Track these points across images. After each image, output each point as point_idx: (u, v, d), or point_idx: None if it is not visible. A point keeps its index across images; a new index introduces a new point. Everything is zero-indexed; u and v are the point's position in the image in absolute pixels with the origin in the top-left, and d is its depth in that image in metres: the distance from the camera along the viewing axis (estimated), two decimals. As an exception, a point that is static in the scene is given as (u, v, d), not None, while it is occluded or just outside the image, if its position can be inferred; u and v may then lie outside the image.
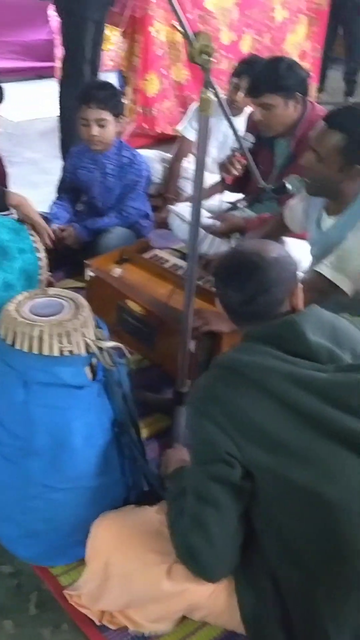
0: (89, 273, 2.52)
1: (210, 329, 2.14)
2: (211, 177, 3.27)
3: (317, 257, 2.18)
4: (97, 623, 1.55)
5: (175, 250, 3.10)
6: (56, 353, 1.49)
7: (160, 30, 4.27)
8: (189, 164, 3.65)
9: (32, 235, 2.29)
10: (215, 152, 3.65)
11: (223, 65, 4.70)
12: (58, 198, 3.10)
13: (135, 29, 4.29)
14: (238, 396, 1.30)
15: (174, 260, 2.67)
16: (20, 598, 1.64)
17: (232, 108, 3.45)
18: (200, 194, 1.82)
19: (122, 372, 1.64)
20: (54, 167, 3.87)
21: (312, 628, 1.28)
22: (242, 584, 1.37)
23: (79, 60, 3.67)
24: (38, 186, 3.74)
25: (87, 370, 1.55)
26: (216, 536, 1.27)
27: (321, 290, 2.00)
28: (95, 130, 2.80)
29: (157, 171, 3.74)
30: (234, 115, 3.48)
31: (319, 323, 1.40)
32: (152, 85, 4.43)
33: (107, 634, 1.54)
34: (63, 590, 1.61)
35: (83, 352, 1.53)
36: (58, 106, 3.79)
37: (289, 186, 2.30)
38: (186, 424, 1.39)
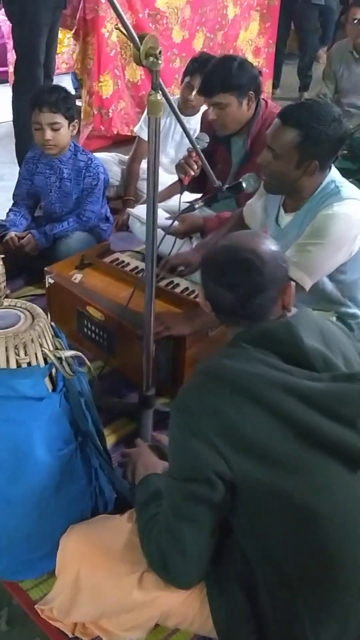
0: (49, 280, 2.50)
1: (170, 334, 2.13)
2: (170, 178, 3.26)
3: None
4: (70, 635, 1.53)
5: (137, 252, 3.08)
6: (13, 365, 1.47)
7: (112, 31, 4.24)
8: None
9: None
10: (173, 153, 3.65)
11: (176, 64, 4.70)
12: (14, 205, 3.06)
13: (87, 31, 4.25)
14: (229, 408, 1.23)
15: (135, 262, 2.66)
16: (-10, 615, 1.62)
17: (187, 107, 3.45)
18: (156, 195, 1.81)
19: (83, 381, 1.63)
20: (9, 173, 3.82)
21: (290, 636, 1.27)
22: (214, 590, 1.36)
23: (32, 65, 3.63)
24: (-7, 193, 3.69)
25: (47, 381, 1.53)
26: (190, 548, 1.27)
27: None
28: (49, 134, 2.77)
29: (115, 173, 3.71)
30: (190, 114, 3.48)
31: (310, 325, 1.35)
32: (107, 86, 4.40)
33: (80, 646, 1.52)
34: (35, 605, 1.58)
35: (41, 362, 1.51)
36: (12, 111, 3.74)
37: (244, 184, 2.30)
38: (169, 434, 1.33)
